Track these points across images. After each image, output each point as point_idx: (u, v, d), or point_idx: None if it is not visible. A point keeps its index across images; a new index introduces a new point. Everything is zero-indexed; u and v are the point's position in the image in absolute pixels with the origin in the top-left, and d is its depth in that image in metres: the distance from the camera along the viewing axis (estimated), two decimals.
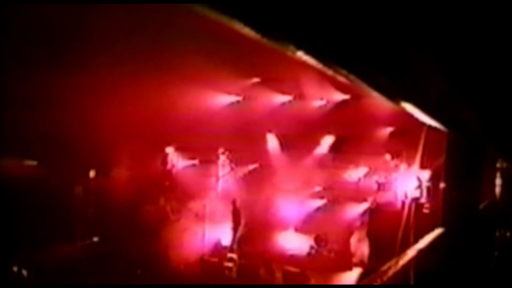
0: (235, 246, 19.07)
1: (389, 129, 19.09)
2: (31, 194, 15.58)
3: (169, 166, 19.87)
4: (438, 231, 9.16)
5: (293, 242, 19.10)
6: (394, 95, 4.59)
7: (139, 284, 16.65)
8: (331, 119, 18.40)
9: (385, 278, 6.76)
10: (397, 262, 7.40)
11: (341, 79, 3.41)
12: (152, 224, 18.12)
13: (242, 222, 19.33)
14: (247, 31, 2.19)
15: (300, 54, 2.62)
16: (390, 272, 6.85)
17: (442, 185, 10.46)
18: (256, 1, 2.08)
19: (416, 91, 4.87)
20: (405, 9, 3.72)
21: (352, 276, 17.85)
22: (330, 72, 3.07)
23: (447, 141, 9.41)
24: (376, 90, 3.99)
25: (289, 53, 2.58)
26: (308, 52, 2.66)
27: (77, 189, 18.08)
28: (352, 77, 3.33)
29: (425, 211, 17.94)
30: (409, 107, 5.28)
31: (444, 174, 9.79)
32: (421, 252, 8.32)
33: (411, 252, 8.24)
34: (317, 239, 18.96)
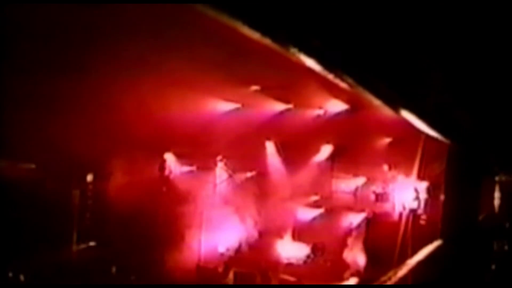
0: (232, 253, 19.06)
1: (387, 140, 19.10)
2: (28, 197, 15.55)
3: (167, 172, 19.85)
4: (436, 243, 9.14)
5: (290, 251, 19.05)
6: (395, 103, 4.57)
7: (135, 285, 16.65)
8: (329, 128, 18.41)
9: None
10: (395, 273, 7.37)
11: (341, 84, 3.38)
12: (149, 229, 18.10)
13: (243, 229, 19.35)
14: (247, 30, 2.16)
15: (301, 57, 2.59)
16: (389, 283, 6.82)
17: (441, 196, 10.47)
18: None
19: (417, 100, 4.86)
20: (409, 16, 3.71)
21: (348, 285, 17.83)
22: (330, 76, 3.04)
23: (447, 153, 9.41)
24: (376, 96, 3.97)
25: (289, 55, 2.55)
26: (308, 54, 2.63)
27: (74, 193, 18.06)
28: (352, 82, 3.31)
29: (422, 222, 17.93)
30: (409, 116, 5.26)
31: (444, 185, 9.79)
32: (419, 263, 8.29)
33: (410, 263, 8.21)
34: (314, 248, 18.93)
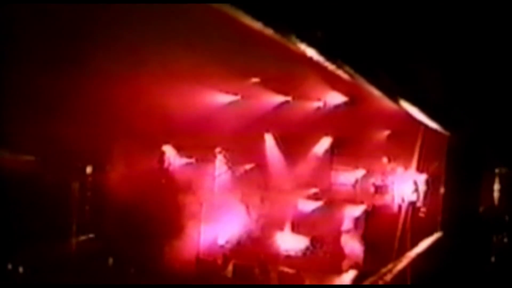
0: (231, 246, 19.10)
1: (387, 132, 19.08)
2: (27, 190, 15.57)
3: (166, 164, 19.86)
4: (437, 235, 9.15)
5: (289, 243, 19.07)
6: (394, 93, 4.54)
7: (135, 284, 16.66)
8: (329, 120, 18.38)
9: (383, 281, 6.72)
10: (395, 265, 7.37)
11: (342, 75, 3.35)
12: (148, 221, 18.11)
13: (243, 221, 19.38)
14: (249, 20, 2.13)
15: (302, 47, 2.57)
16: (389, 276, 6.82)
17: (441, 189, 10.48)
18: None
19: (417, 91, 4.83)
20: (410, 7, 3.69)
21: (347, 278, 17.85)
22: (331, 67, 3.01)
23: (447, 145, 9.40)
24: (377, 87, 3.94)
25: (290, 45, 2.52)
26: (310, 44, 2.60)
27: (73, 185, 18.06)
28: (353, 72, 3.28)
29: (421, 215, 17.92)
30: (408, 107, 5.23)
31: (444, 178, 9.79)
32: (419, 256, 8.30)
33: (409, 256, 8.22)
34: (313, 240, 18.94)
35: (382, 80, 3.85)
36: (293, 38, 2.52)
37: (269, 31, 2.33)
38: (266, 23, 2.28)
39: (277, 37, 2.42)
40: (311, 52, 2.70)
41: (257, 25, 2.23)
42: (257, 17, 2.21)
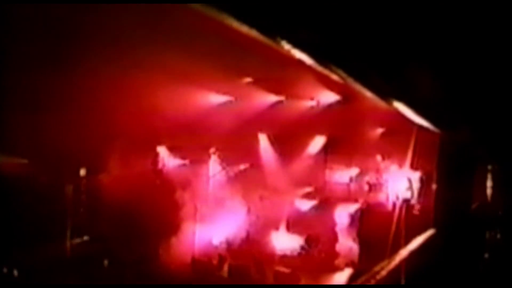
0: (226, 246, 19.11)
1: (380, 130, 19.10)
2: (21, 193, 15.52)
3: (160, 165, 19.84)
4: (430, 232, 9.19)
5: (284, 242, 19.08)
6: (387, 95, 4.55)
7: (131, 285, 16.65)
8: (322, 119, 18.39)
9: (377, 279, 6.76)
10: (389, 263, 7.41)
11: (334, 77, 3.36)
12: (143, 223, 18.10)
13: (238, 221, 19.40)
14: (237, 24, 2.14)
15: (290, 49, 2.58)
16: (382, 273, 6.85)
17: (433, 186, 10.52)
18: None
19: (410, 91, 4.85)
20: (399, 8, 3.70)
21: (342, 276, 17.88)
22: (322, 69, 3.02)
23: (439, 142, 9.44)
24: (369, 88, 3.94)
25: (279, 48, 2.53)
26: (296, 45, 2.61)
27: (67, 188, 18.01)
28: (344, 74, 3.29)
29: (415, 212, 17.97)
30: (401, 107, 5.24)
31: (437, 175, 9.83)
32: (413, 253, 8.34)
33: (403, 253, 8.26)
34: (307, 240, 18.96)
35: (374, 81, 3.86)
36: (279, 40, 2.53)
37: (254, 34, 2.35)
38: (251, 26, 2.29)
39: (264, 39, 2.43)
40: (298, 55, 2.71)
41: (243, 28, 2.25)
42: (242, 20, 2.22)
